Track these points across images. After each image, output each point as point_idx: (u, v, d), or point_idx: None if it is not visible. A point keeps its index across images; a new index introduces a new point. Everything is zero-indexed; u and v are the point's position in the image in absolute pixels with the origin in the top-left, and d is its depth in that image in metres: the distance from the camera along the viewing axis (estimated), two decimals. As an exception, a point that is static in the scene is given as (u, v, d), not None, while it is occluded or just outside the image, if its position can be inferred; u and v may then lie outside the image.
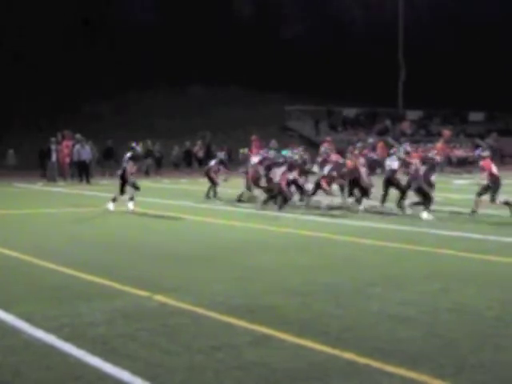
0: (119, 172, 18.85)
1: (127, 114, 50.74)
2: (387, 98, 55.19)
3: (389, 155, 19.39)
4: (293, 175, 19.16)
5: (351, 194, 19.26)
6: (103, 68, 52.11)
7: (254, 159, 20.59)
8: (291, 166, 19.15)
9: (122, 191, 18.54)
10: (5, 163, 38.37)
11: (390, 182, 18.39)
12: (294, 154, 20.20)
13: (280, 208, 18.48)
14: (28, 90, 48.92)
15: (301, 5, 63.64)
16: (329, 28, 62.05)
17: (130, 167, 18.47)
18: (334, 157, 19.57)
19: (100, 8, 56.84)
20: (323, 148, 21.13)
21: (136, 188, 18.50)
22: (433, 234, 14.13)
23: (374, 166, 19.77)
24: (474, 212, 17.06)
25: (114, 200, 18.45)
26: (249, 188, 21.26)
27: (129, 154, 18.75)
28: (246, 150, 23.78)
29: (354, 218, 16.71)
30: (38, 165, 34.60)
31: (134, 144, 19.44)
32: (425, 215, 16.67)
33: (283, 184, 18.72)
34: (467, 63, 57.79)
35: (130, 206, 18.27)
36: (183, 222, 16.71)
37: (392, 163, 18.40)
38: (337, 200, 19.37)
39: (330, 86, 53.95)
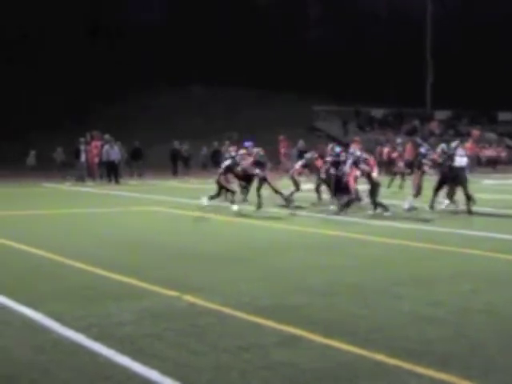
0: (228, 177, 18.88)
1: (150, 114, 51.12)
2: (415, 98, 54.91)
3: (455, 149, 17.86)
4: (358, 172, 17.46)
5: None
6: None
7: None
8: (356, 163, 17.40)
9: (246, 189, 19.59)
10: (29, 163, 38.82)
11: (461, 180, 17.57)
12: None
13: (341, 210, 17.49)
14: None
15: (327, 5, 63.57)
16: (353, 28, 61.91)
17: (231, 177, 18.99)
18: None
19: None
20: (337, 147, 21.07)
21: (246, 189, 19.58)
22: (458, 234, 14.06)
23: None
24: None
25: (232, 202, 18.44)
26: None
27: (228, 162, 18.93)
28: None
29: (380, 218, 16.61)
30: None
31: (233, 153, 19.55)
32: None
33: (351, 182, 17.33)
34: (491, 64, 57.60)
35: (204, 200, 18.87)
36: (209, 222, 16.74)
37: (462, 159, 17.40)
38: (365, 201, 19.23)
39: (356, 86, 53.85)
